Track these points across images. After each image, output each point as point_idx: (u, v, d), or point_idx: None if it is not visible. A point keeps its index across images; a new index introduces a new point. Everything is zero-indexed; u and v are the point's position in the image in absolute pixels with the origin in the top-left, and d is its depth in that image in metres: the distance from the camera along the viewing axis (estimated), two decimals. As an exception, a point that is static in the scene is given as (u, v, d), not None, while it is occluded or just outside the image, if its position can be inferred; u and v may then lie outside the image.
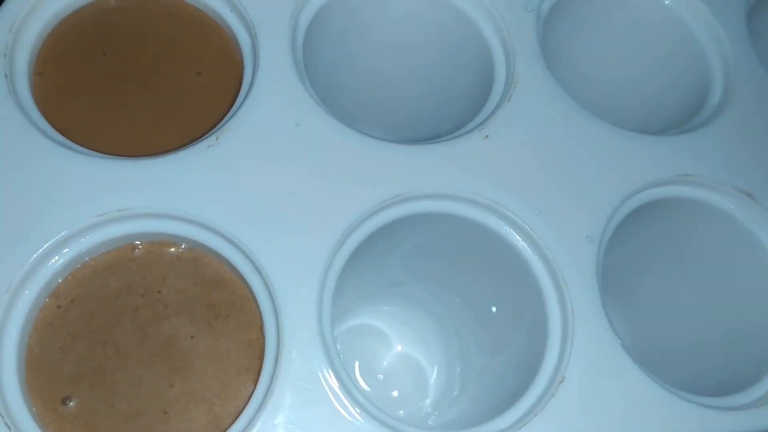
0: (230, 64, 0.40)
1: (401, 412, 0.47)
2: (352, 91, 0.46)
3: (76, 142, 0.36)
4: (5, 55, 0.36)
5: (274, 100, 0.36)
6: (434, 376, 0.48)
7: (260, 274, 0.33)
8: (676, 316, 0.45)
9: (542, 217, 0.36)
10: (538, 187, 0.37)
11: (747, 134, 0.41)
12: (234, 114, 0.36)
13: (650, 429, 0.33)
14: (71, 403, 0.31)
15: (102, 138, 0.37)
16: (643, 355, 0.44)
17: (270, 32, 0.38)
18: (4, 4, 0.37)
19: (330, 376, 0.31)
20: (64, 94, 0.38)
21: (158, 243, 0.35)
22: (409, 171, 0.36)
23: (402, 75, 0.47)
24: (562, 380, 0.33)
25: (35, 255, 0.32)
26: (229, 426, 0.31)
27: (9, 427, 0.29)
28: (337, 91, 0.44)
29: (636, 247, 0.42)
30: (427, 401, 0.47)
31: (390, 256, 0.41)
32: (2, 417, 0.29)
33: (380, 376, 0.49)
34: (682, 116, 0.43)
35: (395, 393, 0.49)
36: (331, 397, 0.31)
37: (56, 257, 0.33)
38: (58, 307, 0.33)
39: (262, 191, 0.34)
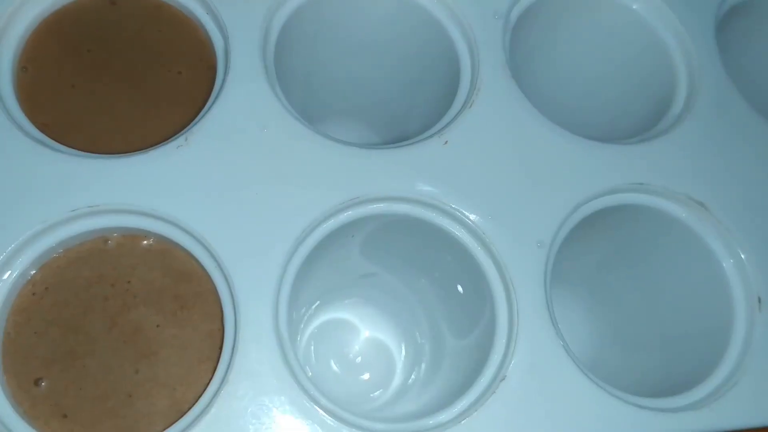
0: (207, 65, 0.41)
1: (377, 393, 0.49)
2: (329, 92, 0.48)
3: (56, 138, 0.37)
4: (-11, 53, 0.38)
5: (242, 102, 0.38)
6: (402, 359, 0.50)
7: (222, 269, 0.35)
8: (627, 318, 0.46)
9: (496, 221, 0.38)
10: (493, 192, 0.38)
11: (705, 144, 0.42)
12: (203, 116, 0.38)
13: (586, 429, 0.35)
14: (43, 384, 0.34)
15: (82, 134, 0.39)
16: (601, 356, 0.46)
17: (242, 36, 0.39)
18: (-11, 3, 0.39)
19: (282, 367, 0.33)
20: (48, 89, 0.40)
21: (130, 236, 0.37)
22: (369, 174, 0.38)
23: (375, 76, 0.48)
24: (503, 378, 0.35)
25: (12, 246, 0.34)
26: (189, 410, 0.34)
27: (-17, 406, 0.32)
28: (313, 92, 0.46)
29: (592, 252, 0.43)
30: (395, 383, 0.49)
31: (353, 252, 0.42)
32: (-23, 396, 0.32)
33: (358, 359, 0.51)
34: (644, 124, 0.44)
35: (366, 376, 0.51)
36: (283, 387, 0.33)
37: (32, 248, 0.35)
38: (34, 294, 0.35)
39: (227, 191, 0.36)
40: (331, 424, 0.33)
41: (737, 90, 0.44)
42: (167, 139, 0.38)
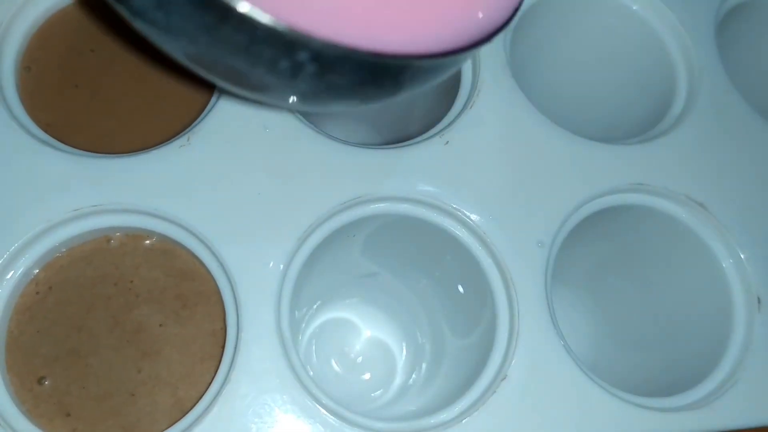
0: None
1: (377, 393, 0.50)
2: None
3: (59, 137, 0.38)
4: (-8, 54, 0.38)
5: (244, 103, 0.38)
6: (403, 359, 0.50)
7: (224, 268, 0.35)
8: (627, 318, 0.47)
9: (496, 221, 0.38)
10: (494, 192, 0.39)
11: (705, 145, 0.42)
12: (205, 116, 0.38)
13: (586, 428, 0.35)
14: (46, 383, 0.34)
15: (85, 134, 0.39)
16: (602, 356, 0.47)
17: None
18: (-7, 5, 0.39)
19: (284, 366, 0.34)
20: (51, 89, 0.40)
21: (132, 236, 0.37)
22: (371, 174, 0.38)
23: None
24: (504, 378, 0.35)
25: (15, 245, 0.34)
26: (191, 409, 0.34)
27: (-14, 404, 0.32)
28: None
29: (592, 252, 0.44)
30: (396, 383, 0.50)
31: (354, 252, 0.43)
32: (-19, 394, 0.32)
33: (359, 359, 0.51)
34: (644, 124, 0.44)
35: (367, 376, 0.51)
36: (285, 386, 0.33)
37: (35, 247, 0.35)
38: (37, 293, 0.36)
39: (229, 191, 0.36)
40: (333, 422, 0.33)
41: (737, 91, 0.44)
42: (169, 139, 0.38)
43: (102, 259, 0.37)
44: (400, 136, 0.43)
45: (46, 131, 0.38)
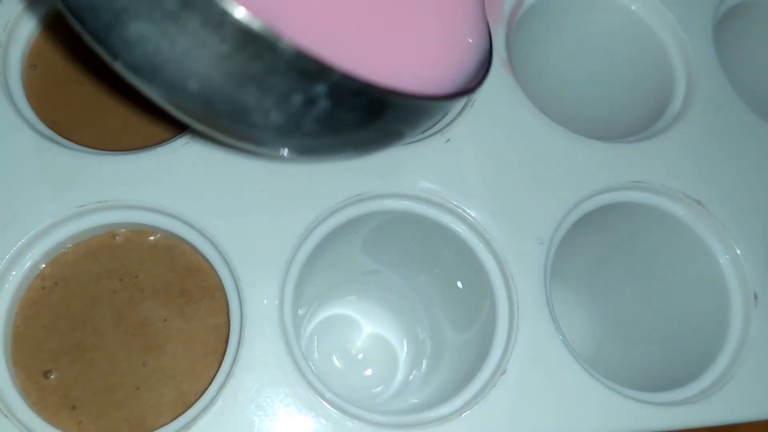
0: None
1: (378, 389, 0.50)
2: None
3: (64, 135, 0.38)
4: (-1, 53, 0.38)
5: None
6: (404, 354, 0.51)
7: (227, 264, 0.36)
8: (626, 314, 0.47)
9: (496, 218, 0.39)
10: (494, 189, 0.39)
11: (702, 143, 0.43)
12: (209, 113, 0.38)
13: (586, 423, 0.35)
14: (52, 377, 0.34)
15: (90, 131, 0.39)
16: (601, 351, 0.47)
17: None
18: (-1, 5, 0.39)
19: (287, 361, 0.34)
20: (56, 87, 0.40)
21: (137, 231, 0.38)
22: (373, 171, 0.38)
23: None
24: (504, 372, 0.36)
25: (21, 241, 0.35)
26: (195, 402, 0.34)
27: (-7, 397, 0.32)
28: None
29: (591, 249, 0.44)
30: (398, 379, 0.50)
31: (356, 249, 0.43)
32: (-13, 388, 0.32)
33: (360, 356, 0.52)
34: (642, 123, 0.45)
35: (369, 372, 0.51)
36: (288, 380, 0.34)
37: (41, 243, 0.35)
38: (43, 288, 0.36)
39: (232, 187, 0.37)
40: (335, 415, 0.33)
41: (734, 89, 0.44)
42: (174, 136, 0.38)
43: (107, 254, 0.37)
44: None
45: (51, 129, 0.38)
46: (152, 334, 0.36)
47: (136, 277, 0.37)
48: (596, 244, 0.45)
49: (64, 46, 0.41)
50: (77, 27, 0.25)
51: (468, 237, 0.39)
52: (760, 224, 0.41)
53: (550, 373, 0.36)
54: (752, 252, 0.41)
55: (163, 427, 0.33)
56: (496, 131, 0.40)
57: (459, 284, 0.43)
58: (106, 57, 0.25)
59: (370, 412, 0.35)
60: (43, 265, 0.36)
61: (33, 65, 0.40)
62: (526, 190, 0.39)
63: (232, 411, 0.33)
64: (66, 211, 0.35)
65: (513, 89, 0.42)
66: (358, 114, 0.25)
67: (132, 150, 0.37)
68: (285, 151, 0.28)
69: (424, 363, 0.48)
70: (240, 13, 0.22)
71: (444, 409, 0.35)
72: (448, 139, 0.40)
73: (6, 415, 0.32)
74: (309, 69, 0.23)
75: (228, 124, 0.26)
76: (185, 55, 0.23)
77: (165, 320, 0.36)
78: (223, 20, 0.22)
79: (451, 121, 0.40)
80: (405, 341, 0.50)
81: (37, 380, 0.34)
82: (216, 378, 0.34)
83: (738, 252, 0.41)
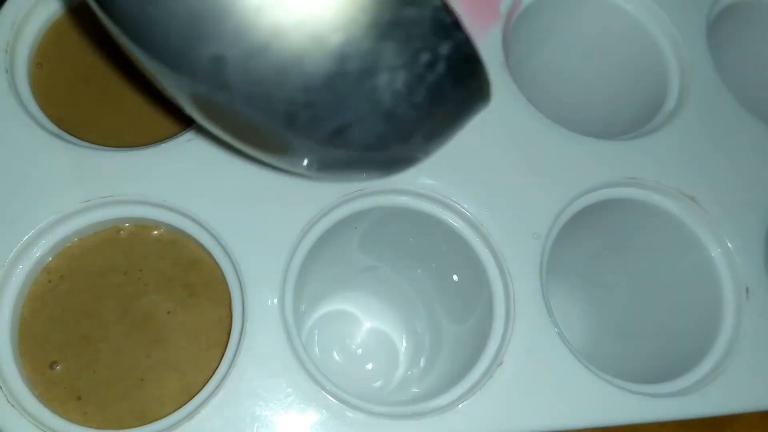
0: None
1: (378, 383, 0.51)
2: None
3: (70, 132, 0.39)
4: (6, 51, 0.39)
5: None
6: (403, 349, 0.51)
7: (230, 258, 0.37)
8: (621, 308, 0.48)
9: (493, 214, 0.39)
10: (491, 186, 0.40)
11: (696, 140, 0.43)
12: (212, 111, 0.39)
13: (580, 413, 0.36)
14: (58, 368, 0.35)
15: (96, 128, 0.40)
16: (597, 345, 0.48)
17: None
18: (6, 4, 0.40)
19: (288, 352, 0.35)
20: (62, 85, 0.41)
21: (141, 226, 0.38)
22: (372, 168, 0.39)
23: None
24: (500, 364, 0.36)
25: (28, 235, 0.35)
26: (198, 393, 0.35)
27: (1, 387, 0.33)
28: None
29: (586, 244, 0.45)
30: (399, 373, 0.51)
31: (355, 244, 0.44)
32: (-4, 378, 0.33)
33: (359, 351, 0.53)
34: (637, 121, 0.45)
35: (369, 366, 0.52)
36: (289, 371, 0.35)
37: (48, 237, 0.36)
38: (49, 281, 0.37)
39: (235, 183, 0.38)
40: (335, 406, 0.34)
41: (727, 88, 0.45)
42: (178, 133, 0.39)
43: (112, 248, 0.38)
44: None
45: (57, 125, 0.39)
46: (156, 327, 0.36)
47: (141, 270, 0.38)
48: (592, 239, 0.45)
49: (70, 45, 0.42)
50: None
51: (465, 232, 0.40)
52: (752, 220, 0.42)
53: (545, 364, 0.37)
54: (744, 247, 0.41)
55: (167, 417, 0.34)
56: (493, 128, 0.41)
57: (455, 277, 0.43)
58: None
59: (369, 402, 0.35)
60: (50, 259, 0.37)
61: (39, 63, 0.41)
62: (523, 187, 0.40)
63: (235, 401, 0.34)
64: (72, 206, 0.36)
65: (510, 88, 0.42)
66: (460, 84, 0.24)
67: (136, 146, 0.38)
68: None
69: (424, 356, 0.49)
70: None
71: (441, 400, 0.36)
72: (446, 136, 0.40)
73: (13, 405, 0.33)
74: (445, 23, 0.22)
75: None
76: None
77: (168, 313, 0.37)
78: None
79: (449, 119, 0.41)
80: (404, 335, 0.51)
81: (44, 371, 0.35)
82: (218, 369, 0.35)
83: (730, 246, 0.41)
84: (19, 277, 0.36)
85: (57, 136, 0.38)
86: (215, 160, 0.38)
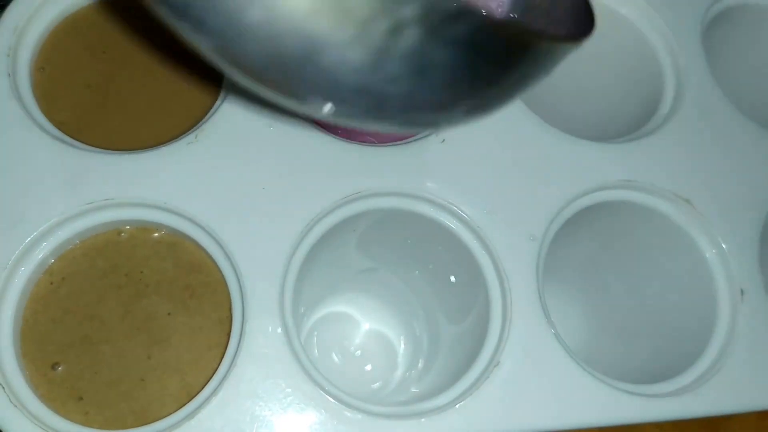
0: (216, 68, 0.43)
1: (376, 384, 0.51)
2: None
3: (72, 135, 0.39)
4: (8, 56, 0.39)
5: (249, 102, 0.40)
6: (402, 350, 0.52)
7: (230, 260, 0.37)
8: (617, 310, 0.48)
9: (490, 216, 0.40)
10: (488, 188, 0.40)
11: (691, 143, 0.44)
12: (213, 114, 0.40)
13: (576, 413, 0.36)
14: (60, 369, 0.35)
15: (97, 131, 0.40)
16: (594, 346, 0.48)
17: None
18: (8, 8, 0.40)
19: (287, 353, 0.35)
20: (64, 89, 0.41)
21: (142, 228, 0.39)
22: (370, 170, 0.40)
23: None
24: (497, 364, 0.37)
25: (30, 237, 0.36)
26: (198, 393, 0.35)
27: (4, 388, 0.33)
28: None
29: (582, 246, 0.45)
30: (398, 374, 0.51)
31: (354, 246, 0.44)
32: (-2, 379, 0.33)
33: (358, 352, 0.53)
34: (633, 124, 0.46)
35: (369, 367, 0.52)
36: (288, 371, 0.35)
37: (50, 239, 0.37)
38: (51, 283, 0.37)
39: (235, 185, 0.38)
40: (333, 405, 0.35)
41: (722, 92, 0.45)
42: (178, 136, 0.39)
43: (113, 250, 0.38)
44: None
45: (59, 129, 0.39)
46: (157, 328, 0.37)
47: (142, 272, 0.38)
48: (588, 241, 0.46)
49: (72, 49, 0.42)
50: None
51: (463, 234, 0.40)
52: (746, 222, 0.43)
53: (542, 365, 0.37)
54: (739, 248, 0.42)
55: (167, 417, 0.34)
56: (490, 132, 0.42)
57: (453, 278, 0.44)
58: None
59: (367, 402, 0.36)
60: (52, 261, 0.37)
61: (41, 68, 0.42)
62: (520, 189, 0.41)
63: (234, 401, 0.34)
64: (73, 208, 0.37)
65: (507, 91, 0.43)
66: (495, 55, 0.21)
67: (137, 150, 0.38)
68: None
69: (422, 356, 0.49)
70: None
71: (439, 400, 0.36)
72: (444, 140, 0.41)
73: (16, 406, 0.33)
74: None
75: None
76: None
77: (169, 314, 0.37)
78: None
79: (447, 122, 0.42)
80: (402, 336, 0.51)
81: (46, 372, 0.35)
82: (218, 370, 0.36)
83: (725, 248, 0.42)
84: (22, 279, 0.36)
85: (59, 139, 0.38)
86: (215, 164, 0.38)
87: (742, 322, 0.41)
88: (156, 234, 0.39)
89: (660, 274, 0.45)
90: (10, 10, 0.40)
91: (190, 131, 0.39)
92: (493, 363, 0.37)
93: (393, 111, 0.23)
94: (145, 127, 0.41)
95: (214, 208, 0.38)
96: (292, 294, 0.37)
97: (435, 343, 0.48)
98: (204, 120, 0.40)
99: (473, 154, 0.41)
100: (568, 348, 0.37)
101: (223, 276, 0.38)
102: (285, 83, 0.21)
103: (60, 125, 0.39)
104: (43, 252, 0.37)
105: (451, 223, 0.40)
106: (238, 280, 0.37)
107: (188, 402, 0.35)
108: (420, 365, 0.49)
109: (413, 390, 0.47)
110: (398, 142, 0.41)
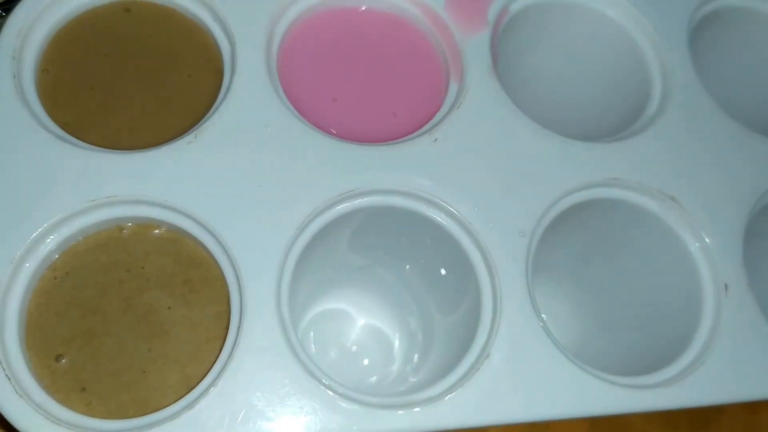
0: (215, 68, 0.44)
1: (374, 378, 0.52)
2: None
3: (76, 135, 0.40)
4: (14, 58, 0.40)
5: (247, 102, 0.41)
6: (397, 344, 0.53)
7: (228, 255, 0.38)
8: (605, 304, 0.49)
9: (481, 213, 0.41)
10: (479, 186, 0.41)
11: (676, 142, 0.45)
12: (212, 114, 0.41)
13: (564, 404, 0.37)
14: (63, 361, 0.36)
15: (100, 131, 0.41)
16: (583, 340, 0.49)
17: (247, 41, 0.43)
18: (13, 12, 0.41)
19: (284, 345, 0.36)
20: (67, 91, 0.42)
21: (143, 225, 0.40)
22: (364, 168, 0.41)
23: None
24: (488, 356, 0.38)
25: (35, 233, 0.37)
26: (197, 385, 0.36)
27: (9, 379, 0.34)
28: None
29: (571, 242, 0.46)
30: (394, 367, 0.52)
31: (348, 243, 0.45)
32: (4, 370, 0.34)
33: (354, 348, 0.54)
34: (621, 124, 0.47)
35: (366, 362, 0.53)
36: (284, 363, 0.36)
37: (53, 235, 0.37)
38: (55, 278, 0.38)
39: (233, 184, 0.39)
40: (329, 396, 0.36)
41: (707, 92, 0.47)
42: (178, 136, 0.40)
43: (115, 246, 0.39)
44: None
45: (63, 129, 0.40)
46: (157, 321, 0.38)
47: (143, 267, 0.39)
48: (577, 237, 0.47)
49: (75, 51, 0.43)
50: None
51: (454, 230, 0.41)
52: (730, 219, 0.44)
53: (530, 357, 0.38)
54: (723, 245, 0.43)
55: (168, 407, 0.35)
56: (481, 131, 0.43)
57: (443, 271, 0.45)
58: None
59: (361, 393, 0.37)
60: (56, 256, 0.38)
61: (45, 69, 0.42)
62: (509, 187, 0.42)
63: (233, 392, 0.35)
64: (77, 205, 0.38)
65: (497, 92, 0.44)
66: None
67: (139, 149, 0.40)
68: None
69: (417, 349, 0.50)
70: None
71: (431, 391, 0.37)
72: (436, 139, 0.42)
73: (21, 396, 0.34)
74: None
75: None
76: None
77: (169, 308, 0.38)
78: None
79: (439, 122, 0.43)
80: (398, 331, 0.52)
81: (50, 364, 0.36)
82: (217, 362, 0.36)
83: (709, 244, 0.43)
84: (27, 273, 0.37)
85: (63, 139, 0.39)
86: (214, 162, 0.39)
87: (726, 316, 0.42)
88: (156, 230, 0.40)
89: (647, 270, 0.46)
90: (15, 14, 0.41)
91: (190, 131, 0.40)
92: (484, 355, 0.38)
93: None
94: (146, 127, 0.42)
95: (213, 206, 0.38)
96: (289, 288, 0.38)
97: (429, 336, 0.49)
98: (203, 120, 0.41)
99: (464, 153, 0.42)
100: (557, 340, 0.38)
101: (221, 271, 0.39)
102: None
103: (64, 125, 0.40)
104: (47, 248, 0.37)
105: (443, 220, 0.41)
106: (236, 275, 0.38)
107: (188, 393, 0.36)
108: (415, 358, 0.50)
109: (411, 380, 0.48)
110: (391, 141, 0.42)
